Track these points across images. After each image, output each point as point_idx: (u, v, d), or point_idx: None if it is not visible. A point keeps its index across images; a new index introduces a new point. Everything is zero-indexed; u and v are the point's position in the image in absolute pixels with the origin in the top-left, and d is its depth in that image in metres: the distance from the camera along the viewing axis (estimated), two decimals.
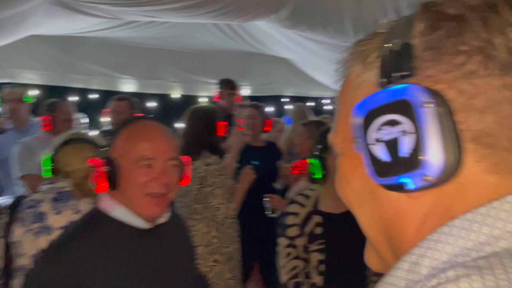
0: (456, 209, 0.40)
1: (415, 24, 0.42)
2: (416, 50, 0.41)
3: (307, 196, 1.79)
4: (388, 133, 0.40)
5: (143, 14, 3.33)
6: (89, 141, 1.82)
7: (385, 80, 0.42)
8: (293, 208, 1.77)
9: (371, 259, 0.51)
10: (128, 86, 5.25)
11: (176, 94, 5.66)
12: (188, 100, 5.83)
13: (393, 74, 0.42)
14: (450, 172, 0.39)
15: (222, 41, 5.00)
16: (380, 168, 0.42)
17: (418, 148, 0.39)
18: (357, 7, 3.61)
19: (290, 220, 1.74)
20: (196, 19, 3.71)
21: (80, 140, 1.81)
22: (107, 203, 1.15)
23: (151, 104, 5.53)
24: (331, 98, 6.54)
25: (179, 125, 3.06)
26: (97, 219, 1.14)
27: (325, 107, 6.61)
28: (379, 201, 0.45)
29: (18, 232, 1.67)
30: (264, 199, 2.73)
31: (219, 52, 5.38)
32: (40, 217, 1.68)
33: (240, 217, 2.80)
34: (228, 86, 3.98)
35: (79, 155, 1.73)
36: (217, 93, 4.02)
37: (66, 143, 1.78)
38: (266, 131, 3.29)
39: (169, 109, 5.54)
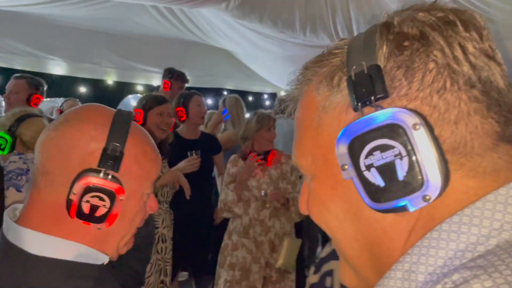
0: (440, 217, 0.41)
1: (376, 45, 0.43)
2: (385, 71, 0.42)
3: None
4: (380, 158, 0.41)
5: None
6: (41, 116, 2.02)
7: (359, 104, 0.42)
8: None
9: (347, 277, 0.51)
10: (57, 68, 4.82)
11: (110, 80, 5.31)
12: (123, 87, 5.52)
13: (368, 97, 0.42)
14: (445, 187, 0.40)
15: (163, 27, 4.77)
16: (375, 194, 0.41)
17: (414, 170, 0.39)
18: (307, 4, 3.61)
19: None
20: (141, 0, 3.48)
21: (33, 115, 2.00)
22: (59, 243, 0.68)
23: (83, 89, 5.14)
24: (272, 94, 6.56)
25: None
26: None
27: (266, 103, 6.60)
28: (364, 223, 0.45)
29: (15, 197, 1.78)
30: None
31: (159, 39, 5.13)
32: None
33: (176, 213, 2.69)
34: (180, 79, 3.80)
35: (40, 128, 1.79)
36: (168, 83, 3.80)
37: (21, 119, 1.93)
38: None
39: (102, 96, 5.19)
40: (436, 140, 0.40)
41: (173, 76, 3.84)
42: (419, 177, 0.39)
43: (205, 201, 2.89)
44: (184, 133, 3.05)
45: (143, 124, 2.39)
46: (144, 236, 1.11)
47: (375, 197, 0.42)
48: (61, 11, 4.21)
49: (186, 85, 5.07)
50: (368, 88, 0.42)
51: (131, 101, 5.31)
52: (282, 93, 6.55)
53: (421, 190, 0.39)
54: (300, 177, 2.73)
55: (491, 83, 0.42)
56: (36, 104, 2.92)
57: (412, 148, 0.39)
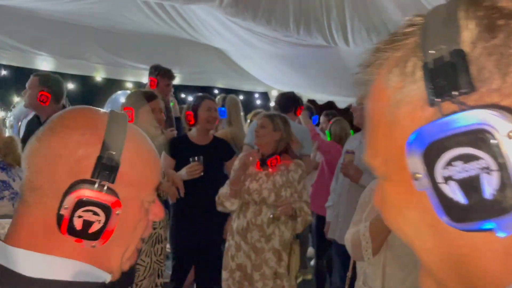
0: None
1: (461, 24, 0.36)
2: (472, 58, 0.35)
3: None
4: (462, 170, 0.34)
5: None
6: None
7: (439, 99, 0.36)
8: None
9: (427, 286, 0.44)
10: (44, 64, 4.70)
11: (99, 76, 5.21)
12: (113, 84, 5.42)
13: (448, 92, 0.35)
14: None
15: (154, 24, 4.68)
16: (455, 212, 0.35)
17: (507, 188, 0.33)
18: (301, 2, 3.56)
19: None
20: None
21: None
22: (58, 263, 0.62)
23: (71, 85, 5.03)
24: (263, 93, 6.52)
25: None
26: None
27: (256, 102, 6.56)
28: (446, 237, 0.38)
29: None
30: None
31: (150, 35, 5.03)
32: (5, 185, 1.81)
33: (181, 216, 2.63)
34: (167, 76, 3.77)
35: None
36: (154, 80, 3.77)
37: None
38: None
39: (91, 93, 5.09)
40: None
41: (159, 73, 3.80)
42: (509, 197, 0.33)
43: (213, 208, 2.75)
44: (194, 137, 3.00)
45: (135, 122, 2.33)
46: None
47: (453, 215, 0.35)
48: (49, 5, 4.10)
49: (178, 82, 5.00)
50: (449, 80, 0.35)
51: (121, 98, 5.21)
52: (274, 92, 6.52)
53: (509, 214, 0.33)
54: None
55: None
56: (43, 101, 2.89)
57: (504, 161, 0.33)
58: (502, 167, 0.33)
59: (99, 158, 0.61)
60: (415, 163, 0.37)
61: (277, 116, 2.75)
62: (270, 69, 5.58)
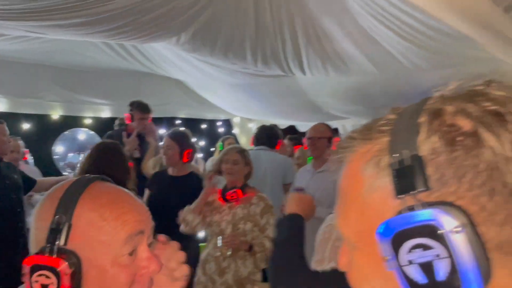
0: None
1: (422, 133, 0.43)
2: (432, 165, 0.42)
3: None
4: (421, 256, 0.41)
5: (27, 29, 2.89)
6: None
7: (403, 195, 0.43)
8: None
9: None
10: None
11: (56, 114, 5.08)
12: (71, 121, 5.30)
13: (410, 190, 0.43)
14: (484, 285, 0.40)
15: (112, 59, 4.64)
16: None
17: (453, 272, 0.40)
18: (257, 35, 3.64)
19: None
20: (88, 38, 3.37)
21: None
22: None
23: (26, 125, 4.88)
24: (225, 121, 6.54)
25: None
26: None
27: (219, 130, 6.57)
28: None
29: None
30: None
31: (108, 70, 4.99)
32: None
33: None
34: (140, 110, 3.90)
35: None
36: (128, 115, 3.96)
37: None
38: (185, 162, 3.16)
39: (47, 131, 4.95)
40: (479, 240, 0.40)
41: (133, 107, 3.96)
42: (458, 279, 0.40)
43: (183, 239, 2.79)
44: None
45: None
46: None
47: None
48: (1, 45, 4.00)
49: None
50: (408, 180, 0.43)
51: (78, 135, 5.09)
52: (236, 119, 6.56)
53: None
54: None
55: None
56: None
57: (451, 251, 0.40)
58: (449, 255, 0.40)
59: (51, 224, 0.67)
60: (385, 248, 0.43)
61: (245, 151, 2.79)
62: (231, 98, 5.63)
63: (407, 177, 0.43)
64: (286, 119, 6.24)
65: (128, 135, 3.96)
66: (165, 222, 2.77)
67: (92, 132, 5.15)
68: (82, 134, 5.07)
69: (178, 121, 5.93)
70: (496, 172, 0.41)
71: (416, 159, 0.43)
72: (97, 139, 4.77)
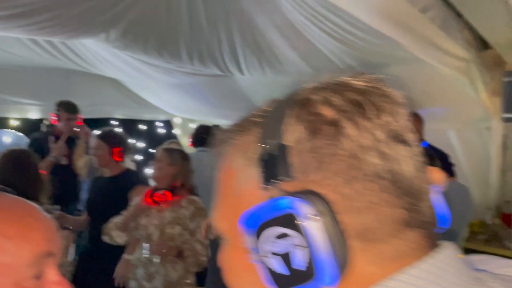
0: None
1: (290, 123, 0.44)
2: (295, 153, 0.43)
3: None
4: (280, 246, 0.41)
5: None
6: None
7: (267, 185, 0.43)
8: None
9: None
10: None
11: None
12: None
13: (274, 179, 0.43)
14: (343, 273, 0.41)
15: (40, 56, 4.37)
16: (279, 281, 0.42)
17: (309, 260, 0.40)
18: (192, 34, 3.57)
19: None
20: (10, 33, 3.14)
21: None
22: None
23: None
24: (166, 121, 6.39)
25: None
26: None
27: (159, 131, 6.40)
28: None
29: None
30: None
31: (36, 69, 4.69)
32: None
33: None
34: (67, 110, 3.73)
35: None
36: (55, 116, 3.78)
37: None
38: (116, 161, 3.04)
39: None
40: (337, 228, 0.40)
41: (59, 108, 3.79)
42: (313, 267, 0.40)
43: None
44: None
45: None
46: None
47: (278, 283, 0.42)
48: None
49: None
50: (273, 169, 0.43)
51: (3, 137, 4.76)
52: (176, 120, 6.43)
53: (315, 280, 0.40)
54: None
55: (400, 172, 0.43)
56: None
57: (308, 240, 0.40)
58: (304, 244, 0.40)
59: None
60: (248, 239, 0.44)
61: (176, 151, 2.71)
62: (170, 98, 5.50)
63: (272, 167, 0.43)
64: (228, 120, 6.20)
65: (56, 138, 3.75)
66: (98, 224, 2.70)
67: (21, 134, 4.84)
68: (8, 137, 4.74)
69: (114, 122, 5.70)
70: (356, 160, 0.42)
71: (281, 149, 0.43)
72: (25, 141, 4.49)
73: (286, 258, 0.41)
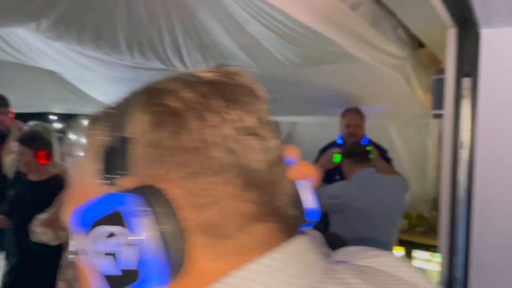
0: None
1: (135, 115, 0.42)
2: (138, 147, 0.41)
3: None
4: (110, 245, 0.39)
5: None
6: None
7: (106, 181, 0.41)
8: None
9: None
10: None
11: None
12: None
13: (112, 174, 0.41)
14: (179, 271, 0.39)
15: None
16: (112, 282, 0.40)
17: (143, 260, 0.38)
18: (130, 24, 3.43)
19: None
20: None
21: None
22: None
23: None
24: None
25: None
26: None
27: None
28: None
29: None
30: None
31: None
32: None
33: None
34: None
35: None
36: None
37: None
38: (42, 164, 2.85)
39: None
40: (175, 224, 0.38)
41: None
42: (146, 267, 0.38)
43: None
44: None
45: None
46: None
47: (112, 284, 0.39)
48: None
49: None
50: (113, 164, 0.41)
51: None
52: None
53: (142, 280, 0.38)
54: None
55: (248, 165, 0.41)
56: None
57: (140, 238, 0.38)
58: (136, 242, 0.38)
59: None
60: (78, 239, 0.41)
61: None
62: (114, 93, 5.30)
63: (112, 161, 0.41)
64: None
65: None
66: (26, 231, 2.54)
67: None
68: None
69: (53, 117, 5.43)
70: (198, 154, 0.40)
71: (123, 142, 0.41)
72: None
73: (116, 258, 0.39)
